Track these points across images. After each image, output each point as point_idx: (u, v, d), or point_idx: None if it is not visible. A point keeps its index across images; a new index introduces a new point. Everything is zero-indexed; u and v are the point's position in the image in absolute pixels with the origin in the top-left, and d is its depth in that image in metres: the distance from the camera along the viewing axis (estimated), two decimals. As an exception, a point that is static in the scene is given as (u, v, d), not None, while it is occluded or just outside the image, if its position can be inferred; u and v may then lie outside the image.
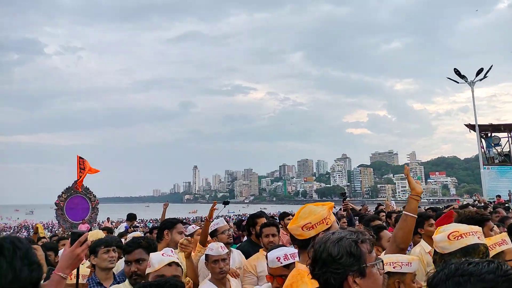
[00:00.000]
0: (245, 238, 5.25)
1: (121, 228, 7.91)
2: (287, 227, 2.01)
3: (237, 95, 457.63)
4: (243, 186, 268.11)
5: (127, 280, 2.77)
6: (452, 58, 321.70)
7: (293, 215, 6.25)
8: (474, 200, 16.70)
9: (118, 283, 3.05)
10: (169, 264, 2.32)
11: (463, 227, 2.00)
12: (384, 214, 6.98)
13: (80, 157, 18.60)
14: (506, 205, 10.13)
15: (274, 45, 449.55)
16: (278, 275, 2.45)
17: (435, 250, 2.06)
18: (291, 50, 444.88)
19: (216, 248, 3.23)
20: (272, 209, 60.00)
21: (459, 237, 1.92)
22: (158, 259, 2.32)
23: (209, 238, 4.39)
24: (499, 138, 23.74)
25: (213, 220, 4.74)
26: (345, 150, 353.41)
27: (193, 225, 5.24)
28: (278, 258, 2.48)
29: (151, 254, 2.40)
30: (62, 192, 18.38)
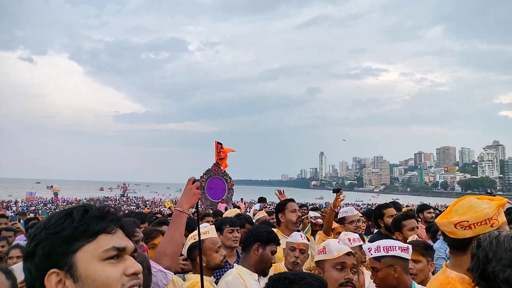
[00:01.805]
0: (375, 229, 4.93)
1: (256, 207, 8.43)
2: (436, 220, 1.69)
3: (366, 78, 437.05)
4: (373, 174, 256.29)
5: None
6: None
7: (434, 209, 5.59)
8: None
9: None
10: (348, 254, 2.23)
11: None
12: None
13: (218, 142, 20.47)
14: None
15: (409, 21, 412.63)
16: (371, 267, 2.34)
17: None
18: (429, 24, 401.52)
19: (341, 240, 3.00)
20: (405, 200, 55.55)
21: None
22: (337, 248, 2.25)
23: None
24: None
25: (340, 209, 4.56)
26: (497, 137, 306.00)
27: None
28: (370, 249, 2.34)
29: (328, 240, 2.30)
30: (204, 174, 20.53)
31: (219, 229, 3.39)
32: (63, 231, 0.84)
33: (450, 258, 1.67)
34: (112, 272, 0.84)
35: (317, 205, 17.33)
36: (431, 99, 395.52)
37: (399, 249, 2.29)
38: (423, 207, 5.64)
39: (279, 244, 2.67)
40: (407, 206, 11.98)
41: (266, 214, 5.45)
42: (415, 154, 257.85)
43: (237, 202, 18.55)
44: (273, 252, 2.61)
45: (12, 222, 5.13)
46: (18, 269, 1.86)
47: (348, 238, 2.99)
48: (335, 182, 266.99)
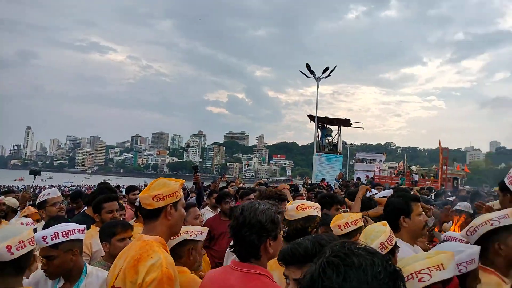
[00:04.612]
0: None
1: None
2: (139, 195, 2.02)
3: (93, 53, 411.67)
4: (87, 154, 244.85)
5: None
6: (306, 54, 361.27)
7: (140, 190, 5.94)
8: (304, 182, 19.29)
9: None
10: None
11: (308, 203, 2.48)
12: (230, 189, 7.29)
13: None
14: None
15: (143, 7, 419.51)
16: (45, 255, 2.16)
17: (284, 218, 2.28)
18: (160, 16, 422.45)
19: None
20: (118, 181, 56.44)
21: (304, 209, 2.38)
22: None
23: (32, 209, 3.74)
24: (331, 130, 27.96)
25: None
26: (202, 127, 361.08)
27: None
28: (45, 237, 2.13)
29: None
30: None
31: None
32: None
33: (145, 227, 2.01)
34: None
35: (15, 187, 14.65)
36: (154, 87, 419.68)
37: (78, 231, 2.25)
38: (130, 189, 5.78)
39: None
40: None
41: None
42: (132, 137, 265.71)
43: None
44: None
45: None
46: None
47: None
48: (42, 162, 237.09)
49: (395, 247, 1.90)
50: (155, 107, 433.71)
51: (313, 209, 2.41)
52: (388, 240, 1.83)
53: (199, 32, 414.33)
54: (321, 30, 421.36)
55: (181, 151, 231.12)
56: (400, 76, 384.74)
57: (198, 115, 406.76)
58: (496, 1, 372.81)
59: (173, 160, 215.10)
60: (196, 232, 2.41)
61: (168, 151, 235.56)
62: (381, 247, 1.78)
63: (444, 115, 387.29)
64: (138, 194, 5.34)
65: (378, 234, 1.85)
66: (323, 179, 18.99)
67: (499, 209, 3.02)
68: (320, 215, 2.44)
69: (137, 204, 2.17)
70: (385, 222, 2.01)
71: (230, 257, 3.12)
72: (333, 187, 14.75)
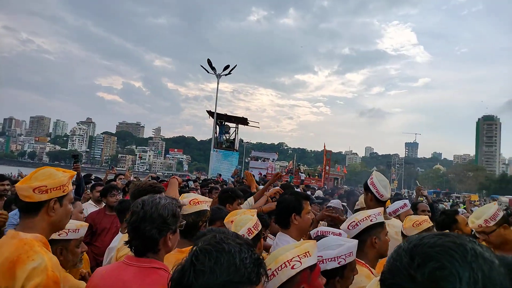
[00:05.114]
0: None
1: None
2: (16, 185, 1.78)
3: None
4: None
5: None
6: (208, 50, 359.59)
7: (12, 181, 5.19)
8: (196, 177, 19.40)
9: None
10: None
11: (200, 197, 2.49)
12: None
13: None
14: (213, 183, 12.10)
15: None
16: None
17: None
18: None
19: None
20: (-16, 169, 48.49)
21: (197, 203, 2.38)
22: None
23: None
24: (229, 127, 28.50)
25: None
26: (91, 114, 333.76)
27: None
28: None
29: None
30: None
31: None
32: None
33: (21, 222, 1.75)
34: None
35: None
36: (34, 64, 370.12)
37: None
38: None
39: None
40: None
41: None
42: (5, 119, 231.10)
43: None
44: None
45: None
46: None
47: None
48: None
49: (261, 233, 2.20)
50: (35, 87, 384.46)
51: (204, 203, 2.43)
52: (254, 226, 2.11)
53: (92, 10, 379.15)
54: (224, 28, 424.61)
55: (65, 138, 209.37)
56: (294, 82, 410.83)
57: (87, 100, 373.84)
58: (376, 24, 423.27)
59: (54, 148, 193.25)
60: (66, 230, 2.15)
61: (49, 138, 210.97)
62: (248, 232, 2.06)
63: (329, 121, 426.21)
64: (7, 185, 4.67)
65: (246, 222, 2.11)
66: (219, 175, 19.27)
67: (363, 207, 3.46)
68: (209, 209, 2.47)
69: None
70: (254, 211, 2.30)
71: (110, 254, 2.95)
72: (228, 183, 15.07)
